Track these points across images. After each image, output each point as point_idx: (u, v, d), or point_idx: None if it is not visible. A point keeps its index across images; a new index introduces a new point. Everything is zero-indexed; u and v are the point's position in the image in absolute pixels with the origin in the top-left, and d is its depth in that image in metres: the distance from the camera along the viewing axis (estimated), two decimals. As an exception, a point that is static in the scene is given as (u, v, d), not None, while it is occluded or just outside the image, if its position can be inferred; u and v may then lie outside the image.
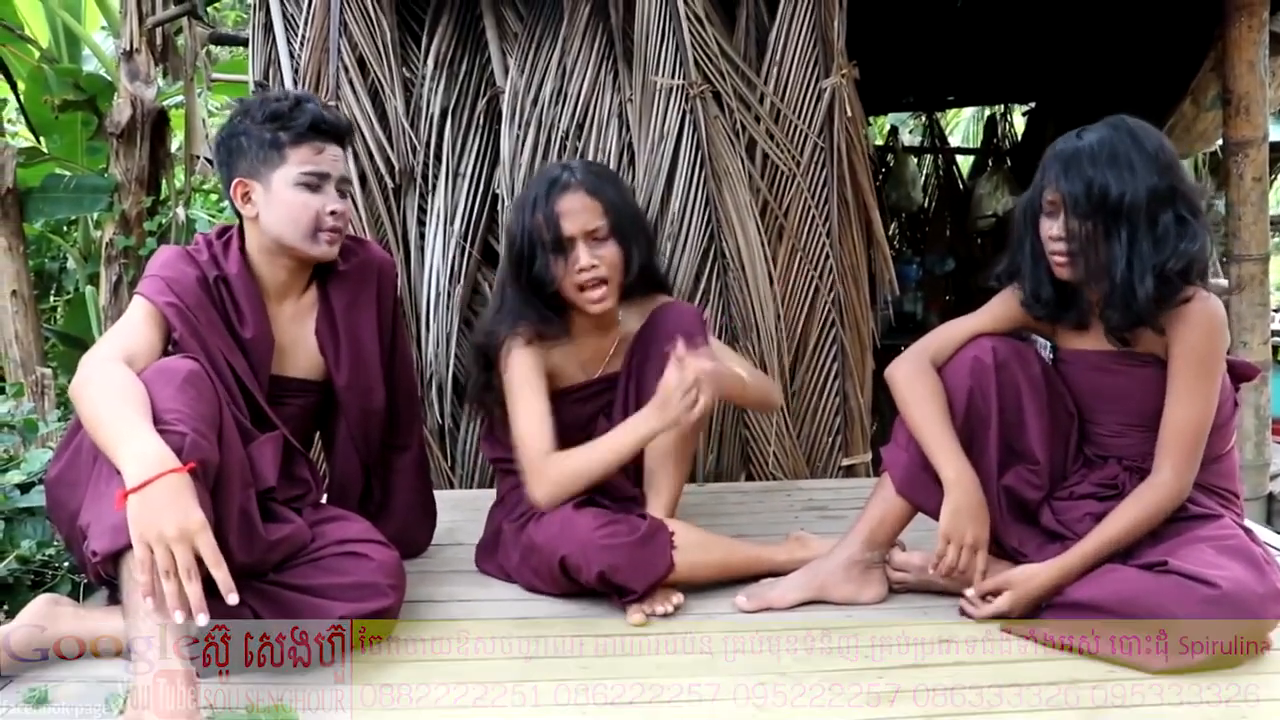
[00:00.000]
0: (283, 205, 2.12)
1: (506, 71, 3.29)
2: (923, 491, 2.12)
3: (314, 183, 2.12)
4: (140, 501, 1.62)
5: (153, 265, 2.13)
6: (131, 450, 1.67)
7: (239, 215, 2.19)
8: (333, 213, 2.13)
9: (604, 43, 3.25)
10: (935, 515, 2.13)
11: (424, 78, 3.32)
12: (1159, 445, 2.02)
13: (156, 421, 1.73)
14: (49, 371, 3.97)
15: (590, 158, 3.17)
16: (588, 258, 2.26)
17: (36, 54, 5.33)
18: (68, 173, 4.86)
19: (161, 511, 1.61)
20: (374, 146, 3.24)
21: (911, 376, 2.15)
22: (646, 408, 2.16)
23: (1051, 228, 2.03)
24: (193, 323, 2.04)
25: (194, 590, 1.61)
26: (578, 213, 2.27)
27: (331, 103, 3.19)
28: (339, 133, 2.18)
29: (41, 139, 5.28)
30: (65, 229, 5.78)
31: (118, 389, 1.78)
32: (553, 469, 2.21)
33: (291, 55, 3.27)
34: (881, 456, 2.23)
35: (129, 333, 1.99)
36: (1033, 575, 2.02)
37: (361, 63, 3.26)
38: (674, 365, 2.08)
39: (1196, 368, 1.98)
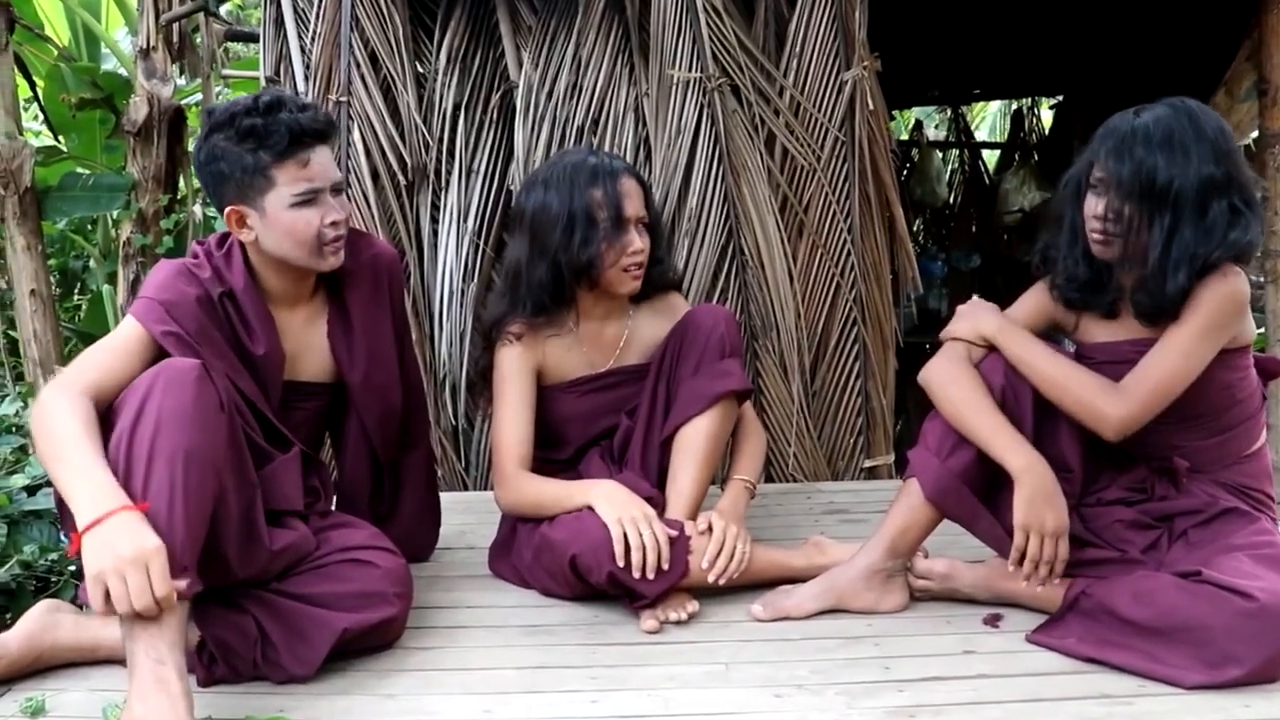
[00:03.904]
0: (281, 228, 2.02)
1: (520, 66, 3.24)
2: (957, 500, 2.04)
3: (309, 199, 2.02)
4: (93, 539, 1.59)
5: (149, 285, 2.03)
6: (82, 494, 1.64)
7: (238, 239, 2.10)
8: (333, 223, 2.05)
9: (619, 36, 3.20)
10: (969, 527, 2.08)
11: (437, 72, 3.28)
12: (1126, 377, 1.96)
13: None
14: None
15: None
16: (641, 241, 2.29)
17: (55, 53, 5.33)
18: (86, 171, 4.86)
19: (116, 541, 1.59)
20: (386, 143, 3.19)
21: (950, 372, 2.07)
22: (609, 494, 2.15)
23: (1096, 206, 1.97)
24: (195, 350, 1.94)
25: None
26: (633, 196, 2.30)
27: (342, 98, 3.15)
28: (321, 133, 2.05)
29: (60, 137, 5.28)
30: (88, 228, 5.79)
31: (72, 428, 1.72)
32: (524, 485, 2.29)
33: (303, 50, 3.23)
34: (906, 459, 2.15)
35: (110, 358, 1.90)
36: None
37: (373, 58, 3.22)
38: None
39: (1189, 324, 1.91)
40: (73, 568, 2.29)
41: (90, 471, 1.67)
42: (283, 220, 2.02)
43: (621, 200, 2.26)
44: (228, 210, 2.04)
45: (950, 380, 2.06)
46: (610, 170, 2.28)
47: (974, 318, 2.10)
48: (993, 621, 2.06)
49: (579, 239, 2.25)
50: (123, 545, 1.58)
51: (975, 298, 2.17)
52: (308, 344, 2.19)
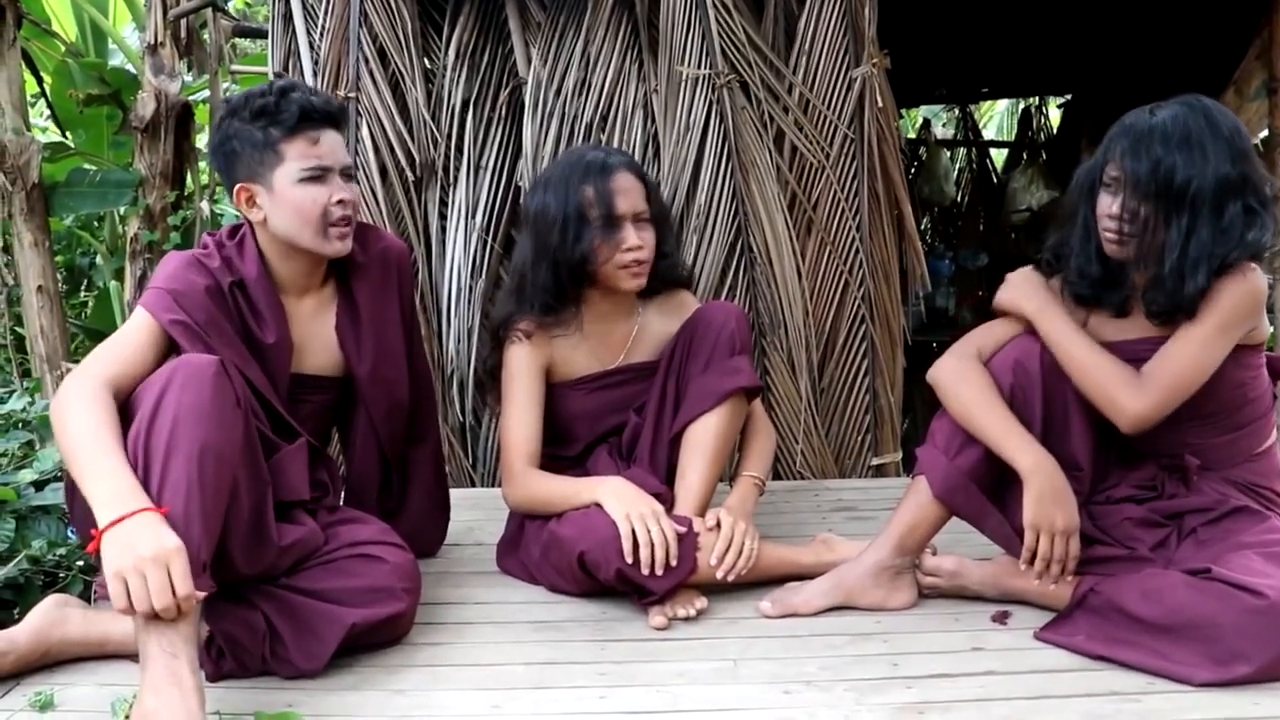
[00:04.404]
0: (288, 205, 2.03)
1: (529, 62, 3.23)
2: (966, 498, 2.04)
3: (317, 176, 2.04)
4: (113, 537, 1.59)
5: (158, 276, 2.05)
6: (103, 493, 1.64)
7: (248, 219, 2.11)
8: (340, 202, 2.05)
9: (629, 32, 3.19)
10: (977, 524, 2.08)
11: (445, 68, 3.27)
12: (1143, 370, 1.95)
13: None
14: (74, 367, 3.96)
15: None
16: (636, 238, 2.26)
17: (62, 48, 5.34)
18: (93, 167, 4.86)
19: (136, 540, 1.58)
20: (395, 139, 3.19)
21: (960, 371, 2.06)
22: (617, 490, 2.14)
23: (1111, 205, 1.95)
24: (203, 339, 1.95)
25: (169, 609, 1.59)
26: (628, 192, 2.27)
27: (351, 94, 3.15)
28: (332, 116, 2.08)
29: (67, 133, 5.29)
30: (95, 224, 5.80)
31: (91, 423, 1.72)
32: (532, 482, 2.29)
33: (311, 46, 3.23)
34: (915, 456, 2.14)
35: (123, 349, 1.91)
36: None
37: (382, 53, 3.22)
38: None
39: (1207, 321, 1.90)
40: (81, 563, 2.28)
41: (111, 470, 1.66)
42: (290, 196, 2.03)
43: (613, 197, 2.25)
44: (237, 188, 2.06)
45: (959, 379, 2.05)
46: (603, 166, 2.27)
47: (1018, 291, 2.10)
48: (1001, 619, 2.05)
49: (572, 237, 2.25)
50: (143, 545, 1.57)
51: (1029, 268, 2.15)
52: (315, 334, 2.18)
